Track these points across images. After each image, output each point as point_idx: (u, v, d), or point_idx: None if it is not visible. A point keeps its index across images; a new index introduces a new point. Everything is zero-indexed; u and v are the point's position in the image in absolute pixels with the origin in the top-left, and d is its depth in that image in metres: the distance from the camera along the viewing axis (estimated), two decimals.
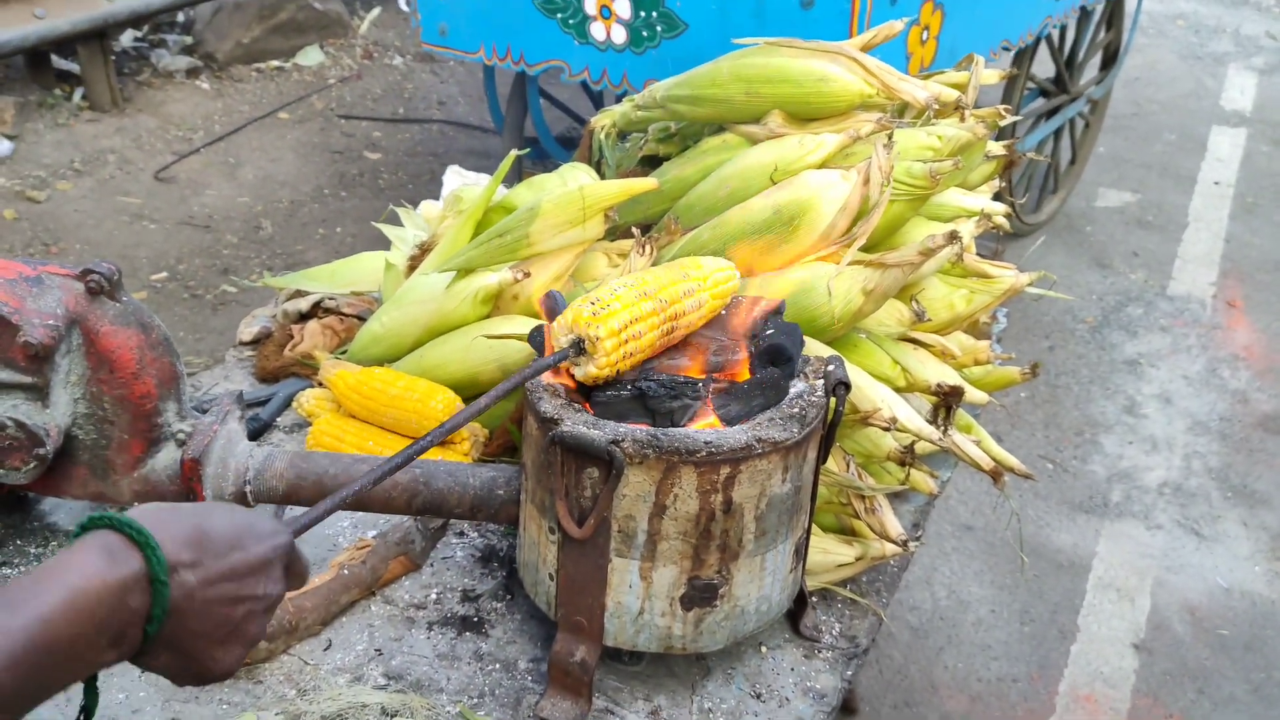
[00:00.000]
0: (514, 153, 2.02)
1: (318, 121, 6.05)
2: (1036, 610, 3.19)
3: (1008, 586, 3.26)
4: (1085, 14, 4.53)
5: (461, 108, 6.38)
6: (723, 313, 1.45)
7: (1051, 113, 4.89)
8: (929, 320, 1.79)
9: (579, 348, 1.30)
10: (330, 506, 1.04)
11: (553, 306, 1.38)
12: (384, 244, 2.28)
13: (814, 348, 1.55)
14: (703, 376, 1.35)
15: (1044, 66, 4.90)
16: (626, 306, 1.30)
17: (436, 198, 2.83)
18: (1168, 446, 3.89)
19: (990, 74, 2.03)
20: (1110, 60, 5.24)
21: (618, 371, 1.30)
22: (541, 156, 4.40)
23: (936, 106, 1.82)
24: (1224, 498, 3.65)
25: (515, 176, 4.33)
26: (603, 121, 2.07)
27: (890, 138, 1.63)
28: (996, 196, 2.15)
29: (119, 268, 1.36)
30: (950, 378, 1.70)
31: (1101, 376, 4.26)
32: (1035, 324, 4.54)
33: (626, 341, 1.28)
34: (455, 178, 3.01)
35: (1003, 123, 1.89)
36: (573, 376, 1.34)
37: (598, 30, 3.46)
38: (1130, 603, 3.22)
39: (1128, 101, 6.66)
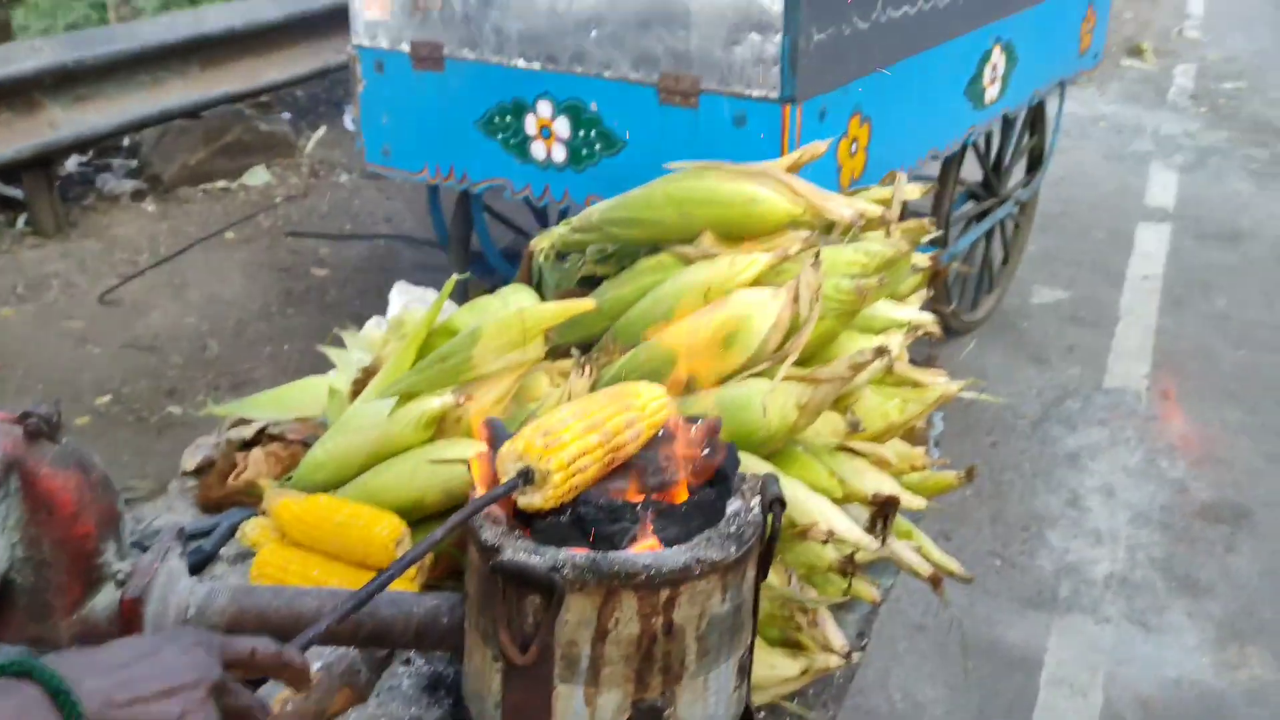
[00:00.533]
0: (455, 276, 2.06)
1: (264, 240, 6.09)
2: (991, 709, 3.19)
3: (961, 687, 3.26)
4: (1008, 121, 4.72)
5: (408, 223, 6.46)
6: (660, 433, 1.48)
7: (982, 215, 5.05)
8: (864, 430, 1.83)
9: (527, 477, 1.32)
10: (282, 652, 1.05)
11: (493, 434, 1.41)
12: (330, 363, 2.30)
13: (751, 463, 1.58)
14: (641, 499, 1.38)
15: (973, 169, 5.08)
16: (575, 439, 1.33)
17: (384, 313, 2.87)
18: (1112, 539, 3.95)
19: (913, 188, 2.12)
20: (1036, 163, 5.44)
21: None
22: (487, 271, 4.47)
23: (862, 222, 1.89)
24: (1169, 589, 3.70)
25: (461, 290, 4.38)
26: (542, 244, 2.13)
27: (818, 256, 1.70)
28: (934, 296, 2.22)
29: (59, 409, 1.36)
30: (887, 486, 1.74)
31: (1044, 471, 4.33)
32: (977, 421, 4.62)
33: (574, 475, 1.31)
34: (401, 295, 3.05)
35: (926, 237, 1.97)
36: (514, 504, 1.36)
37: (538, 149, 3.55)
38: (1083, 698, 3.23)
39: (1056, 200, 6.88)
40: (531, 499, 1.32)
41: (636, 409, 1.39)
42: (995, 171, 5.06)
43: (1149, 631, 3.50)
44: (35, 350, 4.85)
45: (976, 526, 3.99)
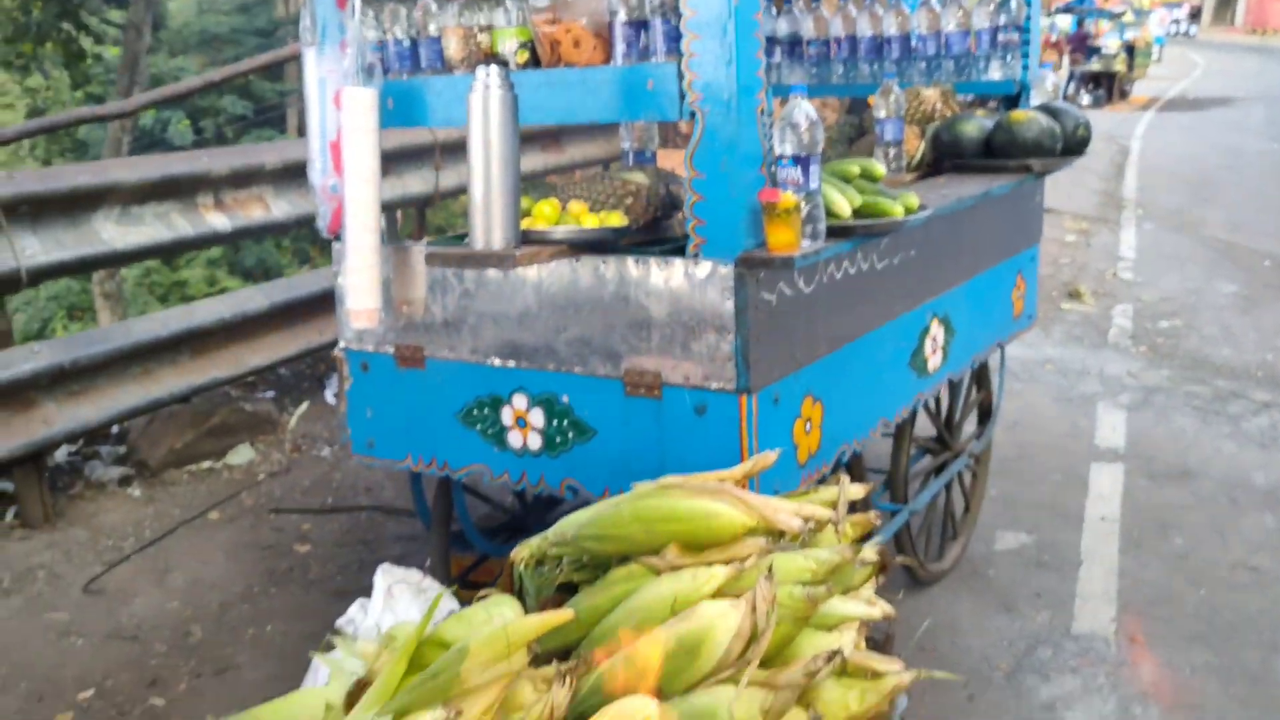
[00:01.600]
0: (442, 591, 2.24)
1: (248, 518, 6.23)
2: None
3: None
4: (954, 384, 5.05)
5: (388, 493, 6.64)
6: None
7: (939, 469, 5.30)
8: None
9: None
10: None
11: None
12: (313, 643, 2.43)
13: None
14: None
15: (927, 425, 5.37)
16: None
17: (366, 590, 3.02)
18: None
19: (857, 489, 2.35)
20: (985, 415, 5.75)
21: None
22: (466, 547, 4.63)
23: (811, 527, 2.10)
24: None
25: (444, 565, 4.54)
26: (522, 554, 2.32)
27: (770, 570, 1.89)
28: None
29: None
30: None
31: None
32: (953, 672, 4.70)
33: None
34: (385, 577, 3.20)
35: (870, 542, 2.18)
36: None
37: (515, 438, 3.80)
38: None
39: (1012, 445, 7.18)
40: None
41: None
42: (948, 428, 5.35)
43: None
44: (19, 645, 4.90)
45: None
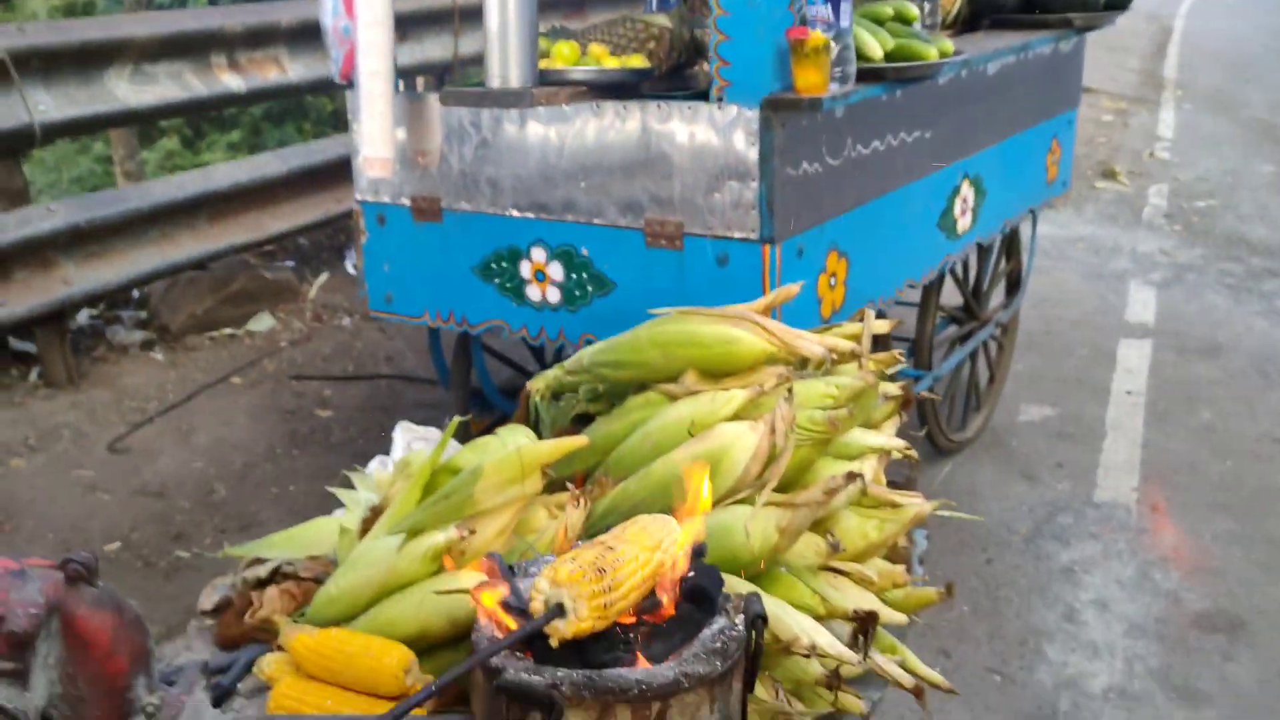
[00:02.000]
0: (456, 418, 2.20)
1: (269, 384, 6.25)
2: None
3: None
4: (983, 249, 4.93)
5: (409, 362, 6.64)
6: None
7: (965, 338, 5.23)
8: (844, 550, 1.95)
9: (560, 612, 1.42)
10: None
11: (492, 567, 1.53)
12: (336, 501, 2.42)
13: (735, 585, 1.70)
14: (632, 621, 1.49)
15: (954, 294, 5.28)
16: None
17: (387, 452, 3.00)
18: (1109, 651, 4.00)
19: (880, 324, 2.28)
20: (1014, 286, 5.64)
21: None
22: (486, 408, 4.62)
23: (834, 358, 2.04)
24: (1168, 699, 3.74)
25: (463, 428, 4.51)
26: (537, 385, 2.28)
27: (790, 392, 1.84)
28: (923, 418, 2.35)
29: (96, 556, 1.49)
30: (867, 603, 1.85)
31: (1040, 586, 4.40)
32: (972, 537, 4.70)
33: (599, 620, 1.42)
34: (404, 434, 3.18)
35: (892, 369, 2.12)
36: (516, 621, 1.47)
37: (533, 292, 3.74)
38: None
39: (1039, 320, 7.08)
40: (555, 629, 1.42)
41: (660, 561, 1.51)
42: (975, 296, 5.25)
43: None
44: (46, 499, 4.96)
45: (975, 643, 4.05)
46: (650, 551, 1.50)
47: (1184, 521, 4.86)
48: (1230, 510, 4.92)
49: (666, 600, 1.50)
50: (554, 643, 1.41)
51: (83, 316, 6.55)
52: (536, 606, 1.42)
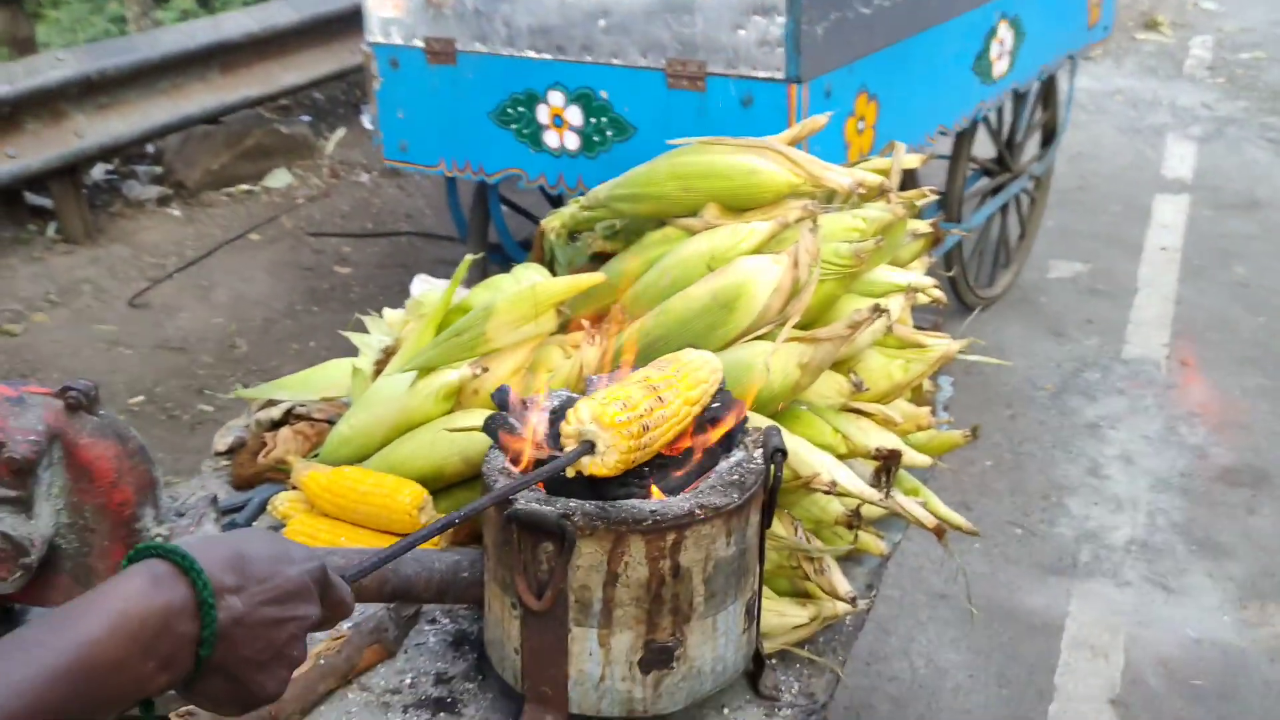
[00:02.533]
0: (469, 257, 2.14)
1: (288, 241, 6.19)
2: (1013, 673, 3.24)
3: (984, 651, 3.31)
4: (1019, 96, 4.75)
5: (428, 219, 6.55)
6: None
7: (996, 190, 5.08)
8: (868, 390, 1.89)
9: (591, 449, 1.35)
10: (378, 561, 1.10)
11: (502, 400, 1.48)
12: (355, 353, 2.38)
13: (755, 420, 1.65)
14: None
15: (987, 147, 5.12)
16: (663, 435, 1.38)
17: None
18: (1132, 505, 3.98)
19: (911, 159, 2.18)
20: (1049, 138, 5.46)
21: None
22: (505, 261, 4.54)
23: (861, 191, 1.95)
24: (1189, 551, 3.73)
25: (479, 278, 4.45)
26: (553, 223, 2.20)
27: (815, 222, 1.76)
28: (950, 272, 2.27)
29: (95, 384, 1.45)
30: (890, 442, 1.80)
31: (1064, 441, 4.37)
32: (996, 393, 4.65)
33: (630, 461, 1.37)
34: (422, 285, 3.12)
35: (923, 202, 2.02)
36: (528, 458, 1.43)
37: (551, 138, 3.62)
38: (1104, 660, 3.27)
39: (1073, 175, 6.89)
40: (589, 466, 1.36)
41: (696, 398, 1.45)
42: (1008, 147, 5.08)
43: (1170, 594, 3.53)
44: (69, 354, 4.97)
45: (997, 497, 4.03)
46: (691, 405, 1.44)
47: (1213, 377, 4.78)
48: (1260, 365, 4.84)
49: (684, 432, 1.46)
50: (569, 472, 1.36)
51: (97, 171, 6.47)
52: (569, 432, 1.36)
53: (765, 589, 1.62)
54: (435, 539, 1.83)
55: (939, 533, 1.77)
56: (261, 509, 2.01)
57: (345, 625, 1.70)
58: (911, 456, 1.87)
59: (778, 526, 1.65)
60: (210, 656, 0.90)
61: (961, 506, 3.86)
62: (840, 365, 1.90)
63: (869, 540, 1.82)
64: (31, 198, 5.95)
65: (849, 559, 1.89)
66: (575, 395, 1.55)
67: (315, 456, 2.07)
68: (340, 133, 7.56)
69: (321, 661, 1.57)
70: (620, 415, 1.34)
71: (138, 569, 0.90)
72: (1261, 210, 6.44)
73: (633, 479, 1.41)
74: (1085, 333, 5.18)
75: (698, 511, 1.36)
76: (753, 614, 1.51)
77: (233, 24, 6.25)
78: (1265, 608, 3.47)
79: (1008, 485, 4.10)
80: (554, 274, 2.21)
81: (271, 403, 2.25)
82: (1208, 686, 3.17)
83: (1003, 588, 3.57)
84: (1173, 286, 5.59)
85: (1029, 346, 5.04)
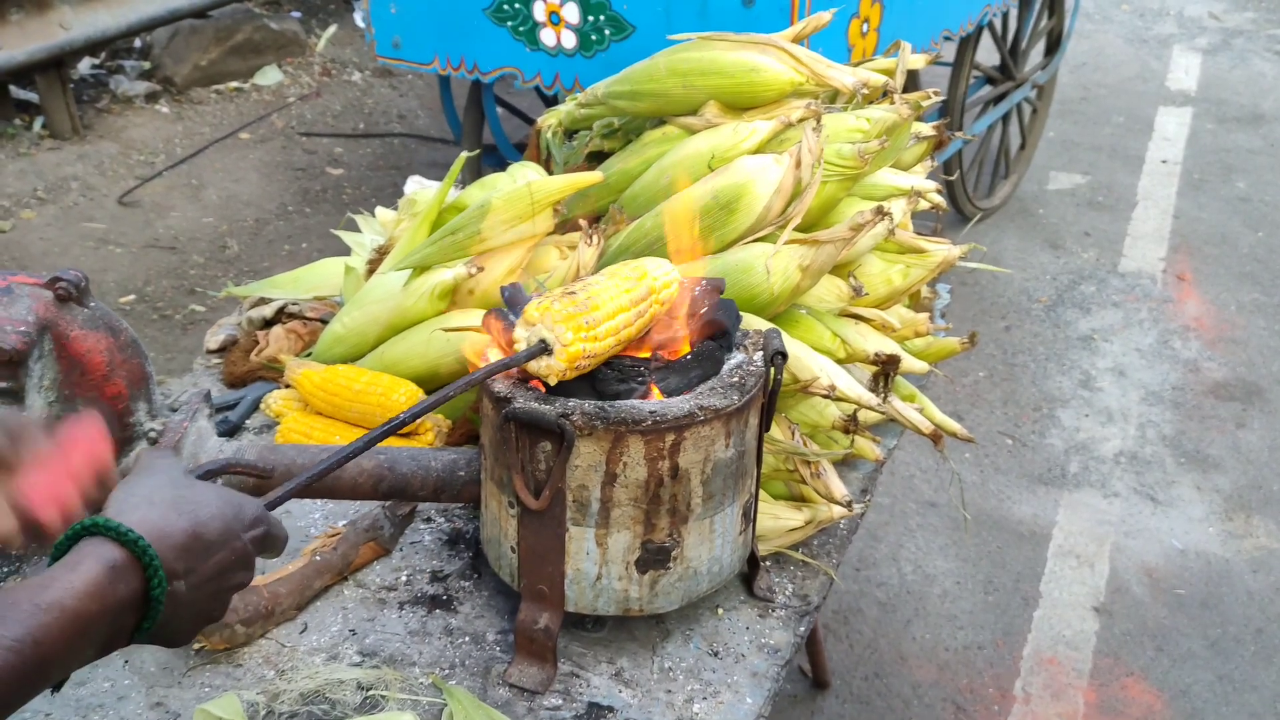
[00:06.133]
0: (464, 155, 2.09)
1: (279, 140, 6.09)
2: (1000, 580, 3.28)
3: (971, 558, 3.35)
4: (1025, 2, 4.65)
5: (422, 120, 6.45)
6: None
7: (999, 99, 5.00)
8: (867, 295, 1.87)
9: (546, 348, 1.34)
10: (302, 482, 1.11)
11: (514, 296, 1.46)
12: (347, 254, 2.35)
13: (754, 323, 1.63)
14: (647, 354, 1.43)
15: (990, 54, 5.02)
16: (609, 334, 1.36)
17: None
18: (1123, 417, 4.00)
19: (917, 59, 2.12)
20: (1054, 46, 5.36)
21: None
22: (500, 163, 4.48)
23: (865, 91, 1.91)
24: (1178, 464, 3.76)
25: (473, 181, 4.40)
26: (549, 121, 2.15)
27: (819, 122, 1.72)
28: (949, 182, 2.23)
29: (85, 275, 1.42)
30: (888, 348, 1.79)
31: (1057, 353, 4.37)
32: (992, 305, 4.64)
33: (584, 361, 1.35)
34: (416, 186, 3.08)
35: (927, 104, 1.98)
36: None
37: (548, 36, 3.54)
38: (1090, 568, 3.32)
39: (1076, 86, 6.79)
40: (540, 368, 1.35)
41: (651, 299, 1.42)
42: (1012, 54, 4.99)
43: (1157, 505, 3.57)
44: (59, 251, 4.92)
45: (989, 408, 4.05)
46: (627, 280, 1.42)
47: (1209, 292, 4.77)
48: (1257, 280, 4.83)
49: (682, 335, 1.44)
50: (551, 381, 1.34)
51: (84, 66, 6.33)
52: (520, 335, 1.35)
53: (761, 492, 1.62)
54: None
55: (935, 438, 1.76)
56: (254, 407, 2.00)
57: (340, 523, 1.70)
58: (909, 362, 1.86)
59: (775, 430, 1.64)
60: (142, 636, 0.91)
61: (954, 416, 3.82)
62: (839, 269, 1.87)
63: (865, 445, 1.82)
64: (17, 91, 5.83)
65: (844, 464, 1.89)
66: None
67: (308, 355, 2.05)
68: (332, 29, 7.40)
69: (317, 558, 1.58)
70: (536, 302, 1.33)
71: (93, 556, 0.87)
72: (1265, 124, 6.36)
73: (635, 378, 1.40)
74: (1083, 245, 5.15)
75: (697, 413, 1.35)
76: (749, 516, 1.51)
77: None
78: (1250, 520, 3.50)
79: (1000, 396, 4.11)
80: (550, 173, 2.17)
81: (263, 301, 2.22)
82: (1190, 595, 3.21)
83: (992, 497, 3.60)
84: (1172, 200, 5.55)
85: (1026, 258, 5.01)
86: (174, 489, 0.98)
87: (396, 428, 1.19)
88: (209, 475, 1.14)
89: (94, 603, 0.85)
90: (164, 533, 0.91)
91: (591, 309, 1.32)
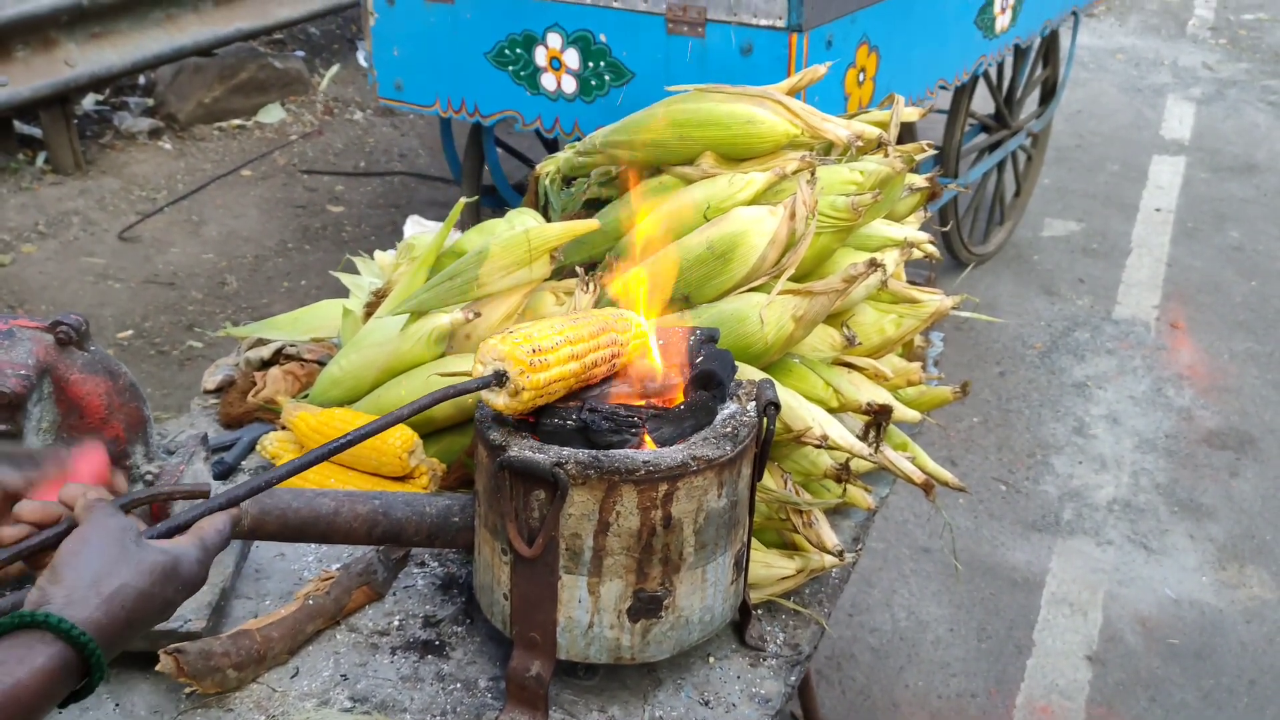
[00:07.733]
0: (463, 200, 2.12)
1: (280, 177, 6.14)
2: (993, 627, 3.28)
3: (965, 605, 3.35)
4: (1020, 51, 4.71)
5: (422, 159, 6.50)
6: (660, 342, 1.55)
7: (994, 146, 5.05)
8: (860, 344, 1.89)
9: (501, 380, 1.36)
10: (233, 497, 1.16)
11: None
12: (346, 293, 2.37)
13: (748, 373, 1.65)
14: (641, 403, 1.45)
15: (985, 103, 5.08)
16: (558, 364, 1.38)
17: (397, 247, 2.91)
18: (1116, 465, 4.01)
19: (910, 112, 2.16)
20: (1049, 95, 5.42)
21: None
22: (499, 204, 4.52)
23: (859, 144, 1.94)
24: (1171, 512, 3.77)
25: (473, 221, 4.44)
26: (547, 168, 2.18)
27: (813, 174, 1.74)
28: (944, 229, 2.26)
29: (86, 319, 1.44)
30: (881, 397, 1.80)
31: (1051, 400, 4.39)
32: (987, 351, 4.67)
33: (541, 397, 1.37)
34: (415, 226, 3.10)
35: (921, 156, 2.01)
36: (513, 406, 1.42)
37: (548, 81, 3.59)
38: (1083, 616, 3.32)
39: (1071, 134, 6.86)
40: (497, 401, 1.37)
41: (619, 344, 1.45)
42: (1007, 103, 5.05)
43: (1150, 553, 3.57)
44: (58, 286, 4.94)
45: (983, 454, 4.06)
46: (584, 316, 1.46)
47: (1203, 339, 4.80)
48: (1251, 329, 4.86)
49: (675, 385, 1.46)
50: (508, 413, 1.37)
51: (88, 102, 6.39)
52: (478, 369, 1.38)
53: (753, 540, 1.63)
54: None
55: (927, 488, 1.77)
56: (250, 448, 2.00)
57: (334, 567, 1.71)
58: (902, 412, 1.87)
59: (768, 479, 1.65)
60: None
61: (948, 462, 3.89)
62: (833, 318, 1.89)
63: (857, 494, 1.83)
64: (21, 126, 5.88)
65: (836, 512, 1.90)
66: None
67: (305, 397, 2.06)
68: (335, 69, 7.48)
69: (310, 602, 1.58)
70: (525, 355, 1.35)
71: (45, 655, 0.94)
72: (1258, 174, 6.42)
73: (627, 429, 1.41)
74: (1077, 292, 5.19)
75: (690, 463, 1.36)
76: (741, 565, 1.52)
77: None
78: (1244, 569, 3.51)
79: (994, 442, 4.13)
80: (548, 219, 2.19)
81: (261, 341, 2.24)
82: (1184, 645, 3.21)
83: (985, 543, 3.61)
84: (1165, 248, 5.59)
85: (1020, 304, 5.04)
86: (119, 566, 1.03)
87: (357, 440, 1.23)
88: (134, 505, 1.15)
89: (44, 699, 0.94)
90: (106, 630, 0.99)
91: (541, 338, 1.36)
